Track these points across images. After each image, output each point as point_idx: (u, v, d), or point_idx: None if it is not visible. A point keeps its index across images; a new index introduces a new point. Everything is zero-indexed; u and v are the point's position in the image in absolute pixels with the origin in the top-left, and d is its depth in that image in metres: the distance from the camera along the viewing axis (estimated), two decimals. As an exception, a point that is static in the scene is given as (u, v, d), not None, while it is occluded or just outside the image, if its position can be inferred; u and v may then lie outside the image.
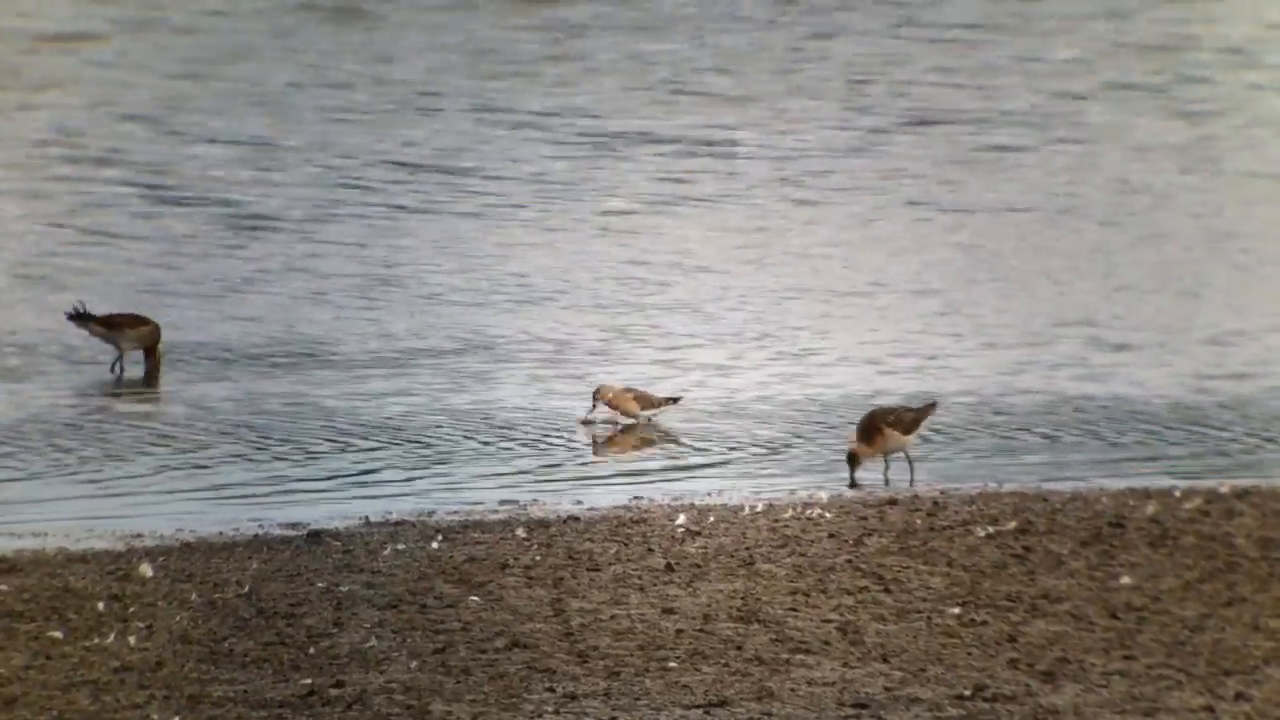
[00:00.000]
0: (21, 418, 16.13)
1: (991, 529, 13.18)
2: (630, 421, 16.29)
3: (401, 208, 22.53)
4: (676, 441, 15.91)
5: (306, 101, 26.45)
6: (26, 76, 27.08)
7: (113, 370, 17.52)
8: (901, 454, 14.89)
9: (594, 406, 16.25)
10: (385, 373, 17.48)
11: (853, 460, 14.72)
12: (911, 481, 14.71)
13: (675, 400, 16.39)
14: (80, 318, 17.55)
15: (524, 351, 18.15)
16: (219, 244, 21.20)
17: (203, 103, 26.14)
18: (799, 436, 15.87)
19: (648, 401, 16.28)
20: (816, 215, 22.61)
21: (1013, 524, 13.29)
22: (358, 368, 17.63)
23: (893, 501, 13.97)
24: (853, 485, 14.61)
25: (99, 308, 17.85)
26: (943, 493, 14.34)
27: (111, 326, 17.52)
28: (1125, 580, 12.24)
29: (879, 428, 14.69)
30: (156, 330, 17.59)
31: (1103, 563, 12.56)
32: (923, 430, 15.00)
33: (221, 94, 26.59)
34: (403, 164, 23.97)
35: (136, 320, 17.61)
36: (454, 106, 26.39)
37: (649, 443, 15.95)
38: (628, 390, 16.32)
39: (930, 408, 15.13)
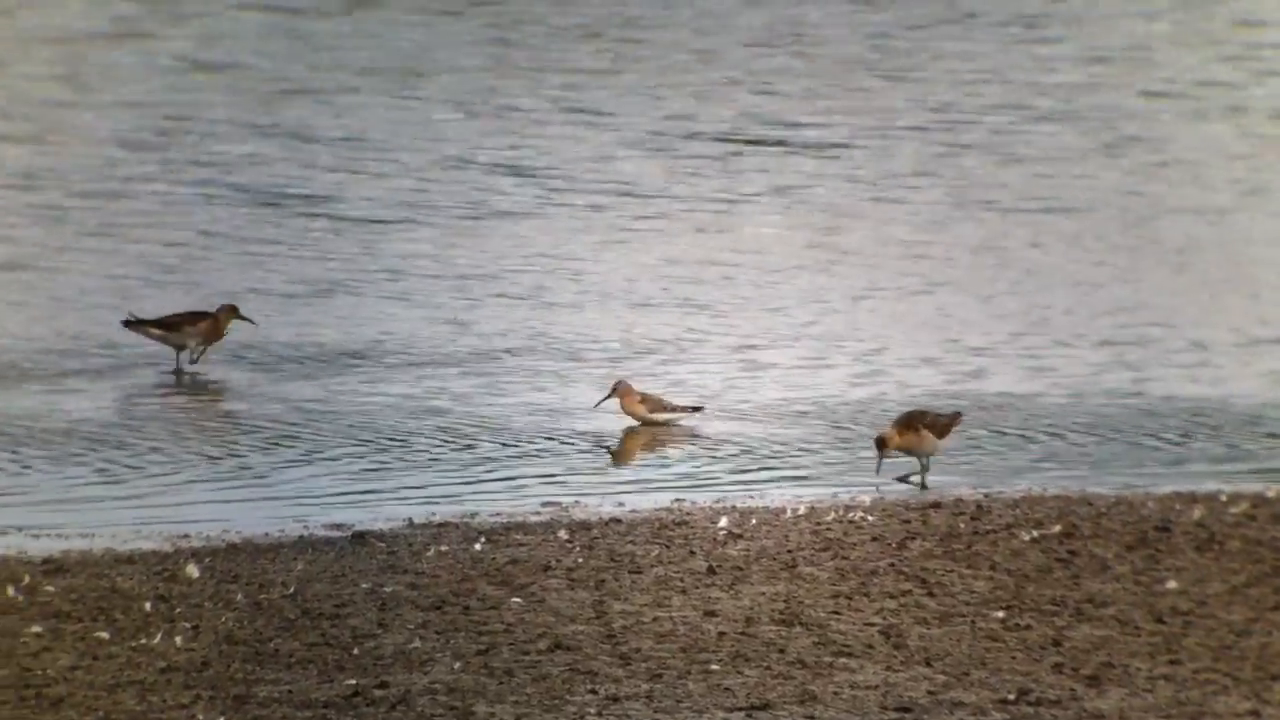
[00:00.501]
0: (75, 419, 16.11)
1: (1036, 533, 13.05)
2: (634, 424, 16.17)
3: (484, 208, 22.47)
4: (717, 444, 15.83)
5: (389, 99, 26.43)
6: (114, 74, 27.03)
7: (179, 370, 17.49)
8: (928, 458, 14.85)
9: (607, 397, 16.11)
10: (438, 373, 17.43)
11: (880, 445, 14.64)
12: (923, 485, 14.62)
13: (697, 409, 16.27)
14: (136, 324, 17.51)
15: (590, 351, 18.07)
16: (303, 242, 21.14)
17: (292, 101, 26.09)
18: (842, 439, 15.77)
19: (659, 406, 16.16)
20: (889, 214, 22.49)
21: (1057, 528, 13.16)
22: (409, 368, 17.58)
23: (936, 505, 13.85)
24: (876, 474, 14.51)
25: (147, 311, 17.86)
26: (986, 496, 14.22)
27: (170, 327, 17.49)
28: (1171, 585, 12.11)
29: (916, 427, 14.67)
30: (216, 323, 17.55)
31: (1148, 567, 12.43)
32: (952, 438, 14.95)
33: (310, 92, 26.57)
34: (485, 164, 23.90)
35: (196, 316, 17.57)
36: (535, 105, 26.34)
37: (689, 445, 15.86)
38: (643, 395, 16.19)
39: (957, 417, 15.08)
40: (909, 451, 14.82)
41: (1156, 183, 23.56)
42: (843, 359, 17.90)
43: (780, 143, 24.93)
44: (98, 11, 30.22)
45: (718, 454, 15.55)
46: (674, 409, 16.23)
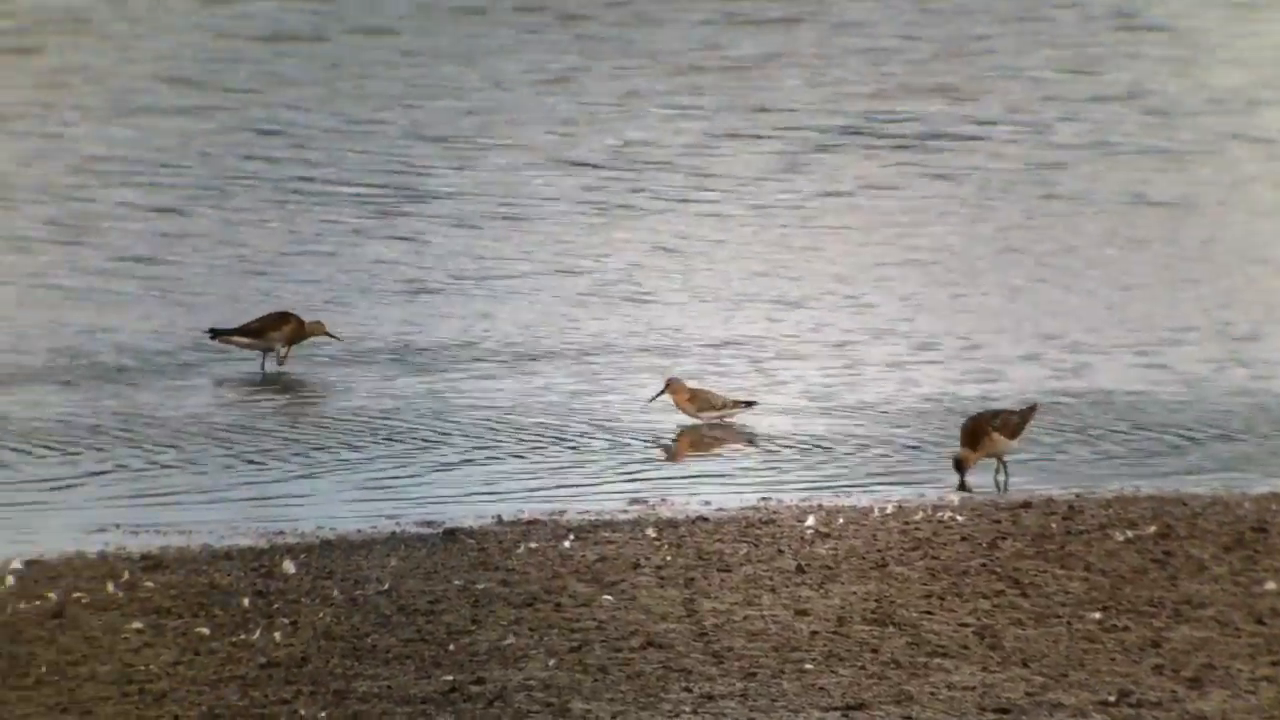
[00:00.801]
0: (172, 418, 16.20)
1: (1130, 533, 12.96)
2: (692, 422, 16.15)
3: (596, 205, 22.49)
4: (803, 442, 15.81)
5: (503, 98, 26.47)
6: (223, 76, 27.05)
7: (264, 372, 17.59)
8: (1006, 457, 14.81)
9: (659, 394, 16.10)
10: (532, 370, 17.46)
11: (959, 466, 14.61)
12: (1005, 486, 14.58)
13: (748, 404, 16.25)
14: (220, 334, 17.62)
15: (693, 347, 18.06)
16: (406, 238, 21.20)
17: (391, 100, 26.15)
18: (930, 438, 15.73)
19: (707, 404, 16.15)
20: (981, 212, 22.42)
21: (1152, 528, 13.06)
22: (501, 365, 17.61)
23: (1027, 505, 13.79)
24: (962, 488, 14.51)
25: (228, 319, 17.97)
26: (1078, 496, 14.13)
27: (255, 334, 17.59)
28: (1270, 586, 12.02)
29: (985, 431, 14.60)
30: (301, 325, 17.65)
31: (1246, 568, 12.33)
32: (1028, 433, 14.89)
33: (414, 91, 26.63)
34: (595, 164, 23.91)
35: (280, 319, 17.68)
36: (650, 104, 26.35)
37: (775, 443, 15.84)
38: (692, 392, 16.16)
39: (1032, 410, 15.01)
40: (988, 456, 14.76)
41: (1259, 184, 23.43)
42: (936, 356, 17.84)
43: (874, 134, 24.86)
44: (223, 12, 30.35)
45: (804, 452, 15.53)
46: (725, 405, 16.19)
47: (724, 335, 18.52)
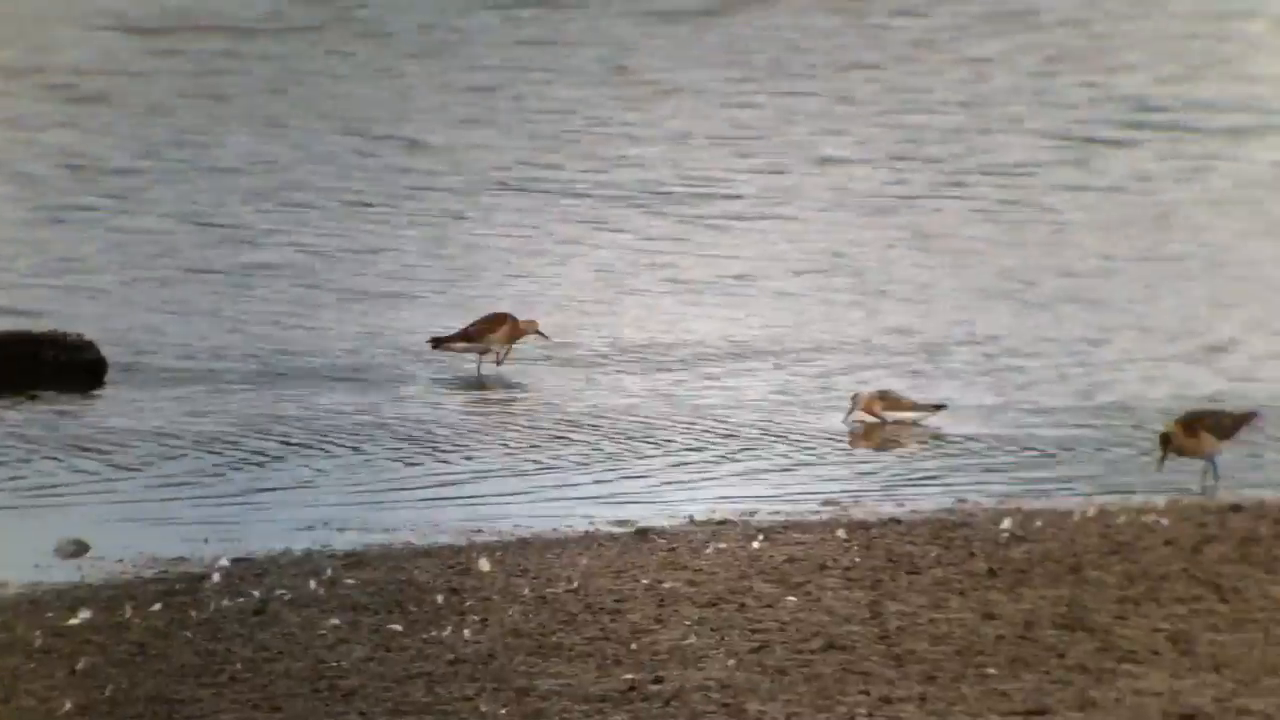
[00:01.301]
0: (380, 418, 16.41)
1: (1343, 539, 12.62)
2: (876, 422, 15.95)
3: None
4: (1003, 444, 15.61)
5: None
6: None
7: (480, 375, 17.78)
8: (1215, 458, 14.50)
9: (851, 410, 15.98)
10: (728, 372, 17.45)
11: (1165, 442, 14.29)
12: (1213, 490, 14.23)
13: (939, 407, 16.03)
14: (441, 343, 17.83)
15: (876, 349, 17.93)
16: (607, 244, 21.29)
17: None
18: (1136, 440, 15.45)
19: (896, 405, 15.95)
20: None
21: (1366, 533, 12.71)
22: (696, 367, 17.61)
23: (1236, 508, 13.40)
24: (1160, 467, 14.16)
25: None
26: (1291, 499, 13.84)
27: (473, 338, 17.78)
28: None
29: (1195, 430, 14.33)
30: (515, 325, 17.81)
31: None
32: (1240, 437, 14.55)
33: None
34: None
35: (495, 322, 17.84)
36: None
37: (975, 445, 15.66)
38: (881, 393, 15.99)
39: (1250, 416, 14.67)
40: (1190, 454, 14.50)
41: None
42: (1135, 357, 17.55)
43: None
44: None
45: (1001, 454, 15.33)
46: (914, 407, 16.00)
47: (921, 338, 18.31)
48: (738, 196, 22.72)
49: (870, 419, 16.01)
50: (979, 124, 25.00)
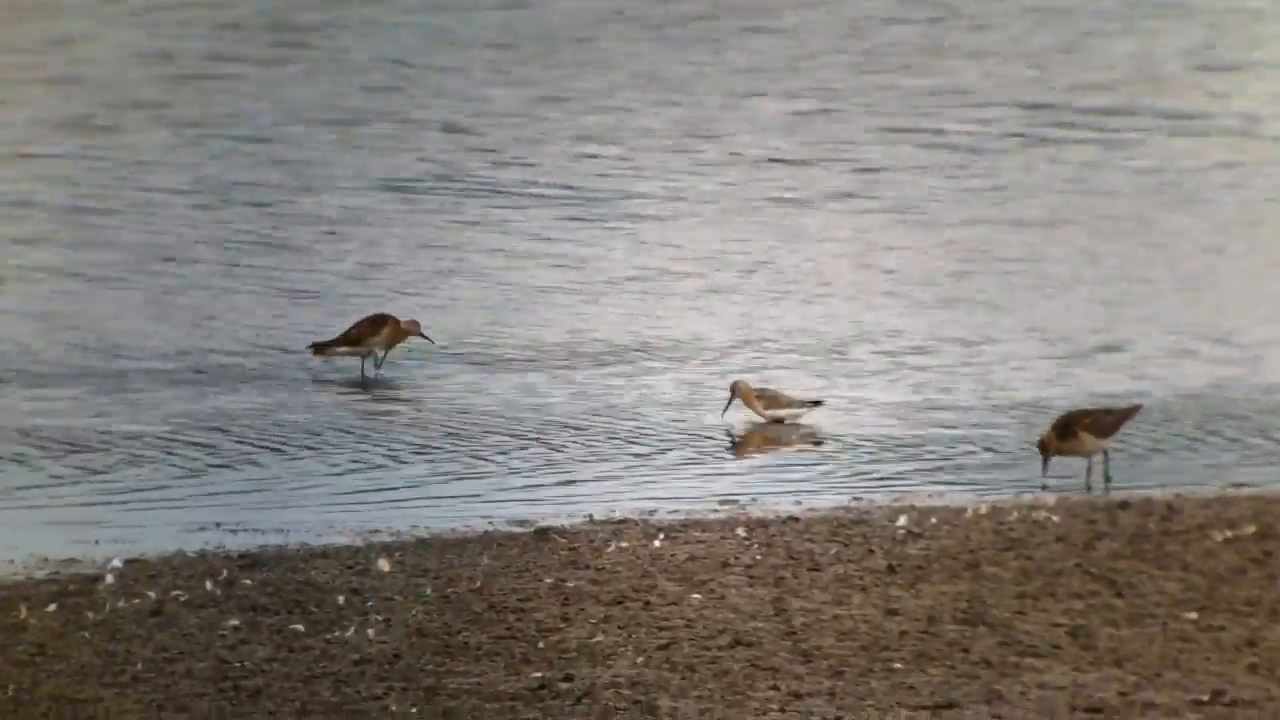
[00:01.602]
0: (266, 420, 16.22)
1: (1229, 533, 12.69)
2: (761, 421, 16.01)
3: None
4: (895, 443, 15.65)
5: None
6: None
7: (365, 374, 17.58)
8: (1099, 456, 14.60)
9: (730, 401, 15.96)
10: (618, 371, 17.38)
11: (1043, 449, 14.37)
12: (1102, 486, 14.34)
13: (816, 404, 16.09)
14: (322, 348, 17.62)
15: (790, 350, 17.92)
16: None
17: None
18: (1022, 439, 15.53)
19: (775, 403, 15.99)
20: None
21: (1252, 528, 12.78)
22: (595, 367, 17.53)
23: (1124, 505, 13.56)
24: (1042, 476, 14.27)
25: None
26: (1177, 496, 13.86)
27: (354, 341, 17.59)
28: (1367, 586, 11.80)
29: (1075, 430, 14.41)
30: (397, 327, 17.64)
31: (1344, 568, 12.13)
32: (1120, 434, 14.67)
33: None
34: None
35: (376, 324, 17.67)
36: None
37: (866, 444, 15.68)
38: (759, 391, 16.01)
39: (1133, 410, 14.78)
40: (1071, 454, 14.58)
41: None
42: (1044, 353, 17.62)
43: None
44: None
45: (896, 452, 15.38)
46: (792, 404, 15.99)
47: (864, 334, 18.28)
48: (641, 196, 22.65)
49: (749, 408, 15.97)
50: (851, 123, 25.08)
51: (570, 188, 23.00)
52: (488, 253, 20.88)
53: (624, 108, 26.06)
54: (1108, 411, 14.66)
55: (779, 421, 16.00)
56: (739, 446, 15.69)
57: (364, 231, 21.49)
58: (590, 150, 24.25)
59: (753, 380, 16.22)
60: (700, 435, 15.88)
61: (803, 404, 16.05)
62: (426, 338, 17.78)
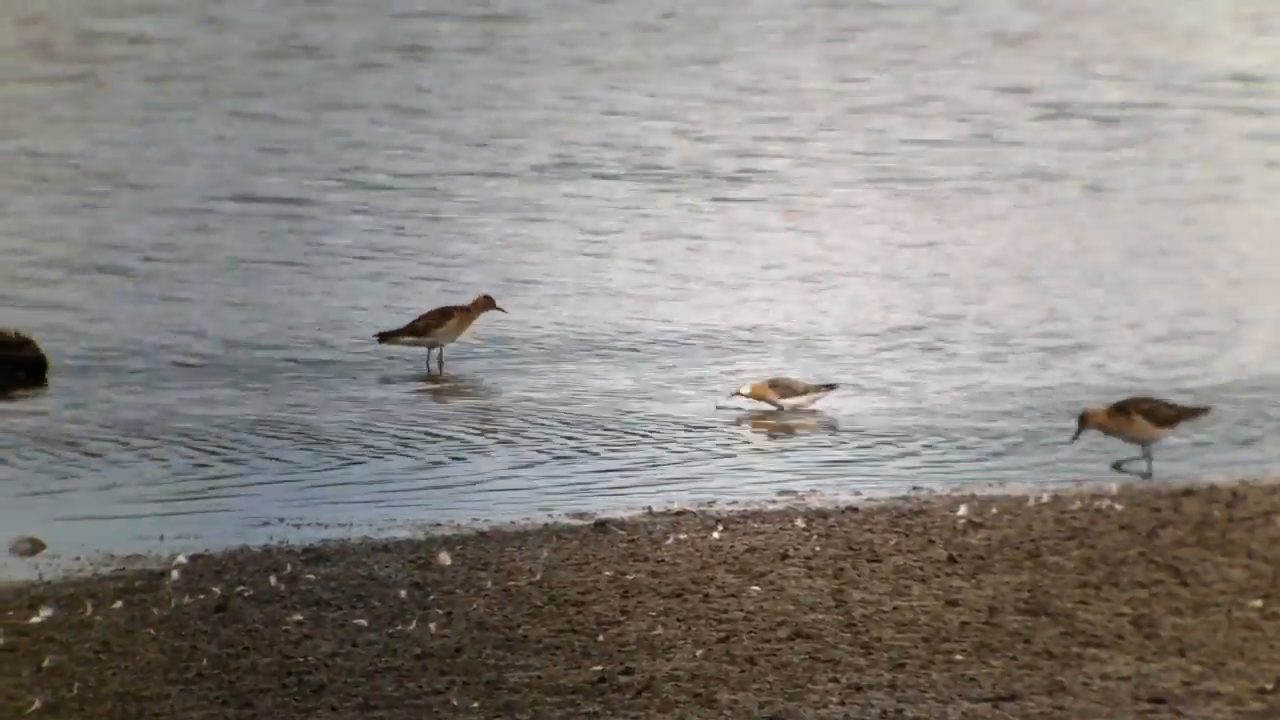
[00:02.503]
0: (334, 415, 16.20)
1: (1296, 519, 12.56)
2: (771, 409, 15.84)
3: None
4: (956, 432, 15.51)
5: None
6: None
7: (430, 369, 17.52)
8: (1146, 446, 14.45)
9: (733, 394, 15.83)
10: (670, 363, 17.30)
11: (1082, 420, 14.22)
12: (1149, 474, 14.20)
13: (831, 387, 15.90)
14: (387, 337, 17.57)
15: (828, 336, 17.80)
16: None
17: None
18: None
19: (789, 390, 15.86)
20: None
21: (1319, 514, 12.64)
22: (654, 358, 17.43)
23: (1188, 492, 13.37)
24: (1072, 442, 14.07)
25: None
26: (1242, 483, 13.68)
27: (421, 332, 17.51)
28: None
29: (1129, 413, 14.28)
30: (467, 314, 17.51)
31: None
32: (1181, 430, 14.50)
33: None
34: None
35: (443, 314, 17.56)
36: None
37: (926, 433, 15.54)
38: (771, 380, 15.87)
39: (1199, 412, 14.61)
40: (1118, 435, 14.42)
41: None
42: (1104, 343, 17.46)
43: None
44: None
45: (957, 441, 15.25)
46: (807, 390, 15.84)
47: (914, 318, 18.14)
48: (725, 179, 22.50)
49: (764, 400, 15.84)
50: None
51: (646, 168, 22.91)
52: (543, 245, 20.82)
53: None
54: (1170, 405, 14.52)
55: (796, 409, 15.90)
56: (796, 437, 15.59)
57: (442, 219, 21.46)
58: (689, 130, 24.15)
59: (756, 377, 16.12)
60: (757, 426, 15.80)
61: (817, 388, 15.93)
62: (500, 309, 17.60)
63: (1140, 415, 14.29)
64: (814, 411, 15.93)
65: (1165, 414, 14.39)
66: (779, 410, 15.89)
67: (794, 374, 16.24)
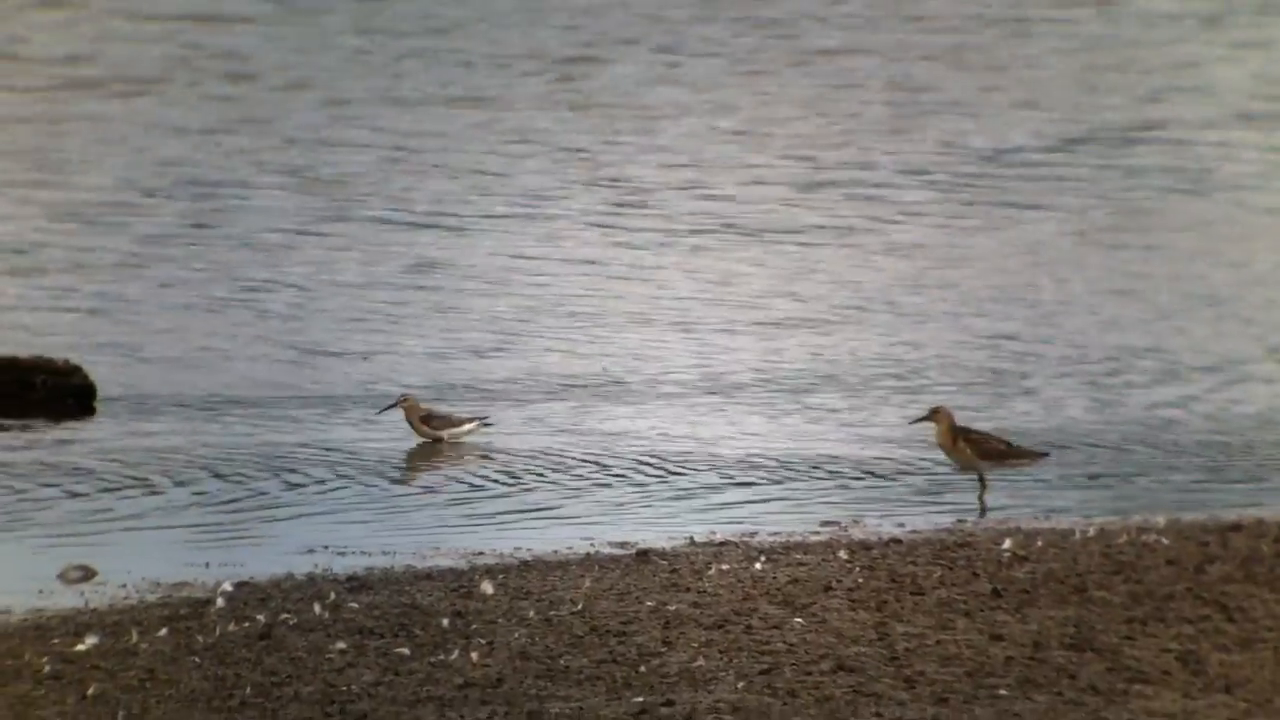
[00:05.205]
0: (378, 447, 16.12)
1: (1344, 555, 12.38)
2: (423, 441, 15.67)
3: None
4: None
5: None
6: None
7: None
8: (978, 472, 14.22)
9: (389, 406, 15.69)
10: (714, 402, 17.17)
11: (932, 412, 14.15)
12: (981, 510, 14.03)
13: (484, 422, 15.72)
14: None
15: (883, 375, 17.66)
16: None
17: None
18: (1138, 462, 15.18)
19: (445, 422, 15.66)
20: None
21: (1368, 550, 12.46)
22: (689, 395, 17.32)
23: (1236, 527, 13.16)
24: (910, 424, 14.05)
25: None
26: (1291, 518, 13.63)
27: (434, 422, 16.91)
28: None
29: (959, 438, 14.09)
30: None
31: None
32: (1007, 468, 14.22)
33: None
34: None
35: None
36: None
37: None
38: (425, 411, 15.69)
39: (1034, 456, 14.33)
40: (942, 449, 14.21)
41: None
42: (1158, 370, 17.26)
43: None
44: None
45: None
46: (459, 422, 15.69)
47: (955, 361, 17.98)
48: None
49: (425, 437, 15.67)
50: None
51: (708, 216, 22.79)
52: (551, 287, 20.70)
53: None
54: (1002, 440, 14.38)
55: (439, 440, 15.67)
56: (839, 468, 15.42)
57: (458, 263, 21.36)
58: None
59: (423, 403, 15.93)
60: (799, 458, 15.63)
61: (470, 422, 15.72)
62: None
63: (967, 443, 14.17)
64: (465, 442, 15.77)
65: (991, 448, 14.22)
66: (427, 441, 15.75)
67: (449, 408, 16.02)
